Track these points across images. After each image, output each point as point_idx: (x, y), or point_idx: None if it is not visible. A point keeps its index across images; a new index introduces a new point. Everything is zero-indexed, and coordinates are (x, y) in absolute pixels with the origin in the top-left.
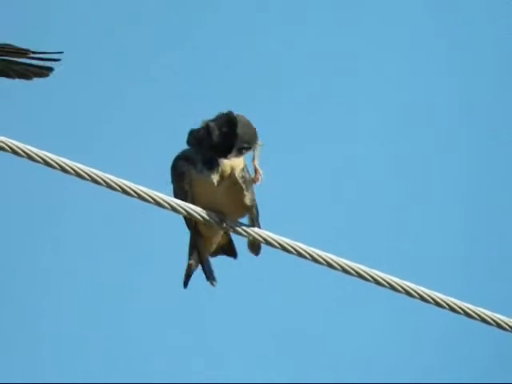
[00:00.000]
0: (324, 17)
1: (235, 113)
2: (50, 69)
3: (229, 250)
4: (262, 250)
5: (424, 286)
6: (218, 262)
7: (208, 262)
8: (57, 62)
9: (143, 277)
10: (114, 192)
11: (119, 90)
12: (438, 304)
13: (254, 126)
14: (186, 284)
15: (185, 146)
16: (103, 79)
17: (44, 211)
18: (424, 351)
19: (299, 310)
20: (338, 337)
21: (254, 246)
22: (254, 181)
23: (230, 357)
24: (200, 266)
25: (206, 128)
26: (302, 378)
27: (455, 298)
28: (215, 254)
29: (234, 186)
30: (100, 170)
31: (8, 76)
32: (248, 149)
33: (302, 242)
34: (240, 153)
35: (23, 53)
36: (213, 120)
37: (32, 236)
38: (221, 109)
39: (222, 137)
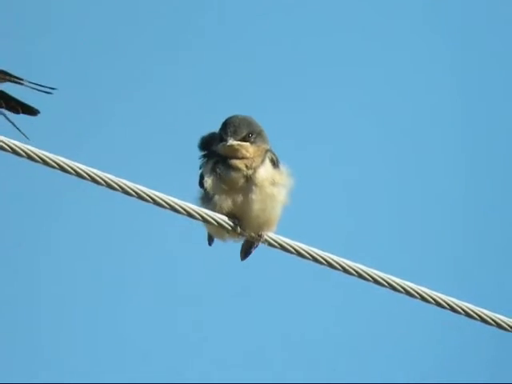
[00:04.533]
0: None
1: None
2: (37, 111)
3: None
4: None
5: (425, 286)
6: (224, 264)
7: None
8: (50, 94)
9: (144, 277)
10: (113, 191)
11: (121, 89)
12: (438, 304)
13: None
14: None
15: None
16: (104, 78)
17: (43, 211)
18: (424, 351)
19: (306, 313)
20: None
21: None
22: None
23: (231, 358)
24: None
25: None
26: (305, 378)
27: (456, 298)
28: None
29: (259, 190)
30: (100, 169)
31: None
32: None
33: (317, 247)
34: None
35: (17, 81)
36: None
37: (31, 235)
38: (225, 109)
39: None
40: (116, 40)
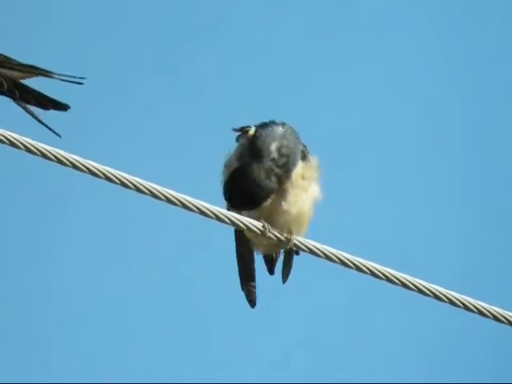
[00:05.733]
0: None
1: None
2: (67, 106)
3: (270, 264)
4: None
5: (422, 279)
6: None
7: (250, 283)
8: (80, 85)
9: (172, 279)
10: (142, 195)
11: (123, 86)
12: (436, 297)
13: (292, 136)
14: (253, 304)
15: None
16: (108, 75)
17: (43, 204)
18: (423, 345)
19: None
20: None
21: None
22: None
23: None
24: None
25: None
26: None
27: (454, 291)
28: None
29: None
30: (128, 173)
31: (27, 101)
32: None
33: (346, 251)
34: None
35: (47, 75)
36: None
37: (30, 230)
38: (250, 113)
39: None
40: (132, 36)
